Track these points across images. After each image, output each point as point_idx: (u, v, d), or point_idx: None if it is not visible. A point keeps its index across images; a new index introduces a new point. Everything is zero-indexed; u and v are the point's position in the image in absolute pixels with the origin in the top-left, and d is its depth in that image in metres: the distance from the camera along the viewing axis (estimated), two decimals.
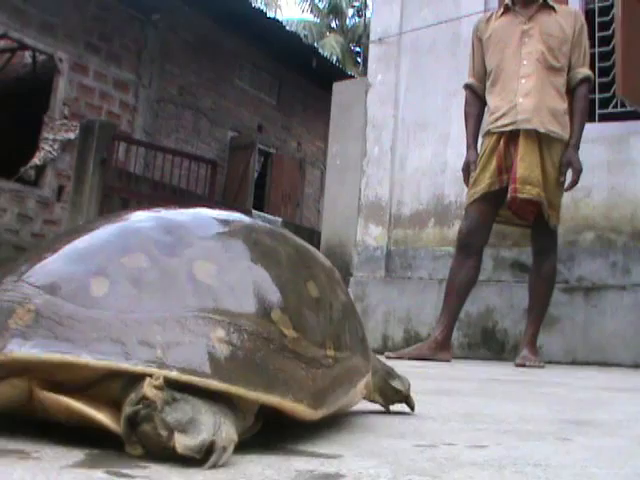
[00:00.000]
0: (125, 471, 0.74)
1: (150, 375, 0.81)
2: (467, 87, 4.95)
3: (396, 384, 1.48)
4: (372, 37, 7.42)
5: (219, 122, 14.71)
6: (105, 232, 1.03)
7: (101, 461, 0.79)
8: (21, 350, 0.85)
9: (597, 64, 6.89)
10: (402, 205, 6.82)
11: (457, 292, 4.73)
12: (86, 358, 0.84)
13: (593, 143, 6.40)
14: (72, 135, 11.47)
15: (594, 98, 6.81)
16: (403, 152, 6.91)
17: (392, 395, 1.49)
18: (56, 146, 11.74)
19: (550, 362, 5.23)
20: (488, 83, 4.77)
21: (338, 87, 7.81)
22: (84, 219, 9.27)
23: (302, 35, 20.24)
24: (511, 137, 4.56)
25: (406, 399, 1.51)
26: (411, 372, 2.00)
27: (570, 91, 4.73)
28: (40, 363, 0.85)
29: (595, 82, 6.87)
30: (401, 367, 1.67)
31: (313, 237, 10.99)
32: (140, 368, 0.84)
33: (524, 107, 4.52)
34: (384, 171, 6.97)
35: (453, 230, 6.04)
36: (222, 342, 0.90)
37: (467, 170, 4.79)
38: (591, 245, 6.29)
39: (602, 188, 6.31)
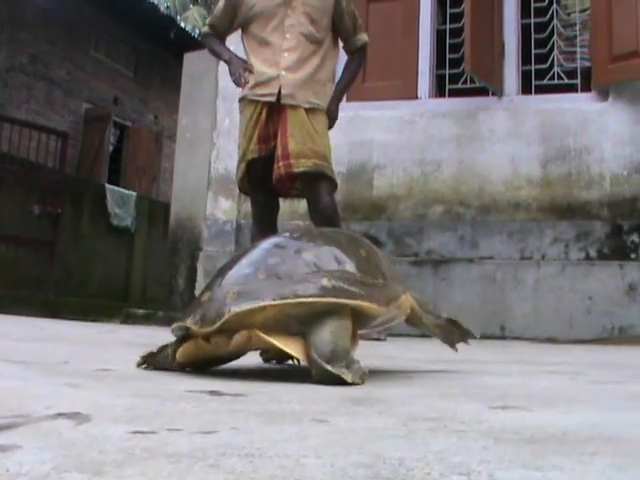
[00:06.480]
0: None
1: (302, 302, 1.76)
2: (206, 36, 4.78)
3: (459, 326, 2.46)
4: None
5: (73, 93, 14.16)
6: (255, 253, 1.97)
7: None
8: (234, 308, 1.72)
9: (448, 40, 6.93)
10: None
11: None
12: (268, 302, 1.71)
13: (443, 117, 6.44)
14: None
15: (444, 74, 6.85)
16: None
17: (457, 336, 2.47)
18: None
19: (401, 335, 5.19)
20: (253, 45, 4.59)
21: (189, 57, 7.61)
22: None
23: (165, 7, 19.76)
24: (273, 107, 4.45)
25: (464, 340, 2.49)
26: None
27: (348, 55, 4.73)
28: (245, 312, 1.72)
29: (446, 58, 6.91)
30: None
31: (169, 211, 10.70)
32: (295, 300, 1.73)
33: (287, 81, 4.39)
34: (235, 144, 6.81)
35: (303, 203, 5.94)
36: (329, 280, 1.80)
37: (241, 72, 4.52)
38: (440, 219, 6.34)
39: (451, 162, 6.36)
